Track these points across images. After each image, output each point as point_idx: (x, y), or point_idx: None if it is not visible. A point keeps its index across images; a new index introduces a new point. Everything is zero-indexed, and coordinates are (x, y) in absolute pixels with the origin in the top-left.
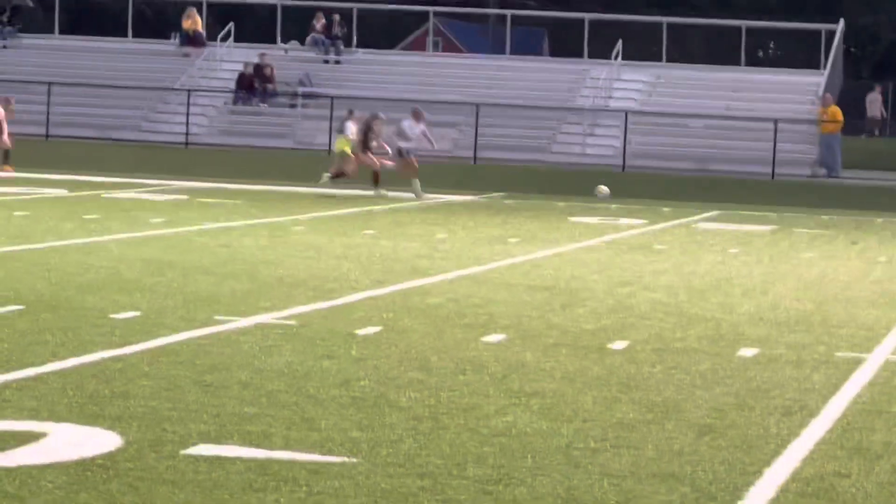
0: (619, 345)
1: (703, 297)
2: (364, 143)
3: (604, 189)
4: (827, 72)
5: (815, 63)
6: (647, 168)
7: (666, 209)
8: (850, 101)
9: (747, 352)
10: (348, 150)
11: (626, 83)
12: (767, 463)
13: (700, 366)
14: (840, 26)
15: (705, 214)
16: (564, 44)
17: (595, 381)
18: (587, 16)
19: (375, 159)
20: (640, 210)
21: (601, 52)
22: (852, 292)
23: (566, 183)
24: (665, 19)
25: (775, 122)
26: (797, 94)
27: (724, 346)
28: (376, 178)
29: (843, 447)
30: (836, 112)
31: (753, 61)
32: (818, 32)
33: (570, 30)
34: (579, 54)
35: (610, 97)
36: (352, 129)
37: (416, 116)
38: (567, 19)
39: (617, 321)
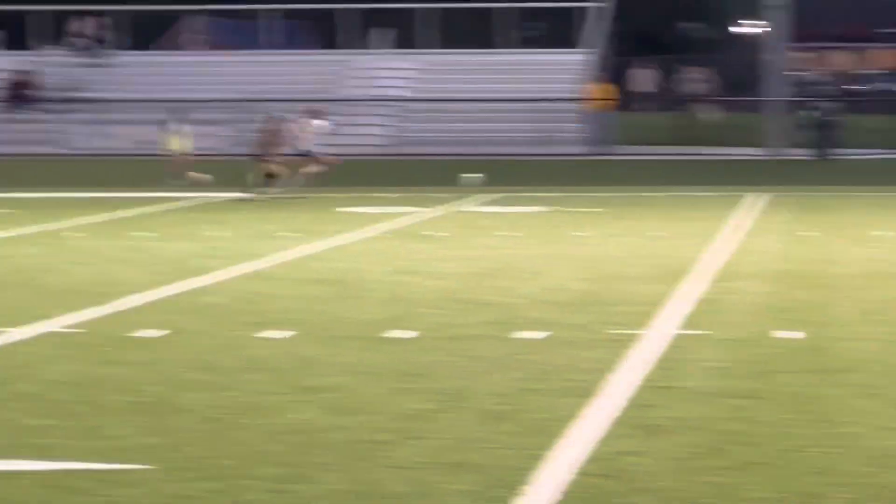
0: (403, 334)
1: (484, 281)
2: (268, 145)
3: (469, 178)
4: (589, 49)
5: (583, 41)
6: (420, 155)
7: (440, 195)
8: (618, 76)
9: (529, 334)
10: (178, 148)
11: (394, 71)
12: (557, 445)
13: (484, 351)
14: (600, 3)
15: (481, 198)
16: (331, 35)
17: (381, 373)
18: (353, 6)
19: (280, 163)
20: (415, 198)
21: (368, 41)
22: (629, 269)
23: (339, 174)
24: (431, 5)
25: (546, 101)
26: (562, 72)
27: (506, 329)
28: (271, 178)
29: (629, 425)
30: (607, 89)
31: (518, 42)
32: (584, 10)
33: (336, 20)
34: (346, 45)
35: (379, 86)
36: (185, 130)
37: (315, 114)
38: (333, 10)
39: (400, 310)
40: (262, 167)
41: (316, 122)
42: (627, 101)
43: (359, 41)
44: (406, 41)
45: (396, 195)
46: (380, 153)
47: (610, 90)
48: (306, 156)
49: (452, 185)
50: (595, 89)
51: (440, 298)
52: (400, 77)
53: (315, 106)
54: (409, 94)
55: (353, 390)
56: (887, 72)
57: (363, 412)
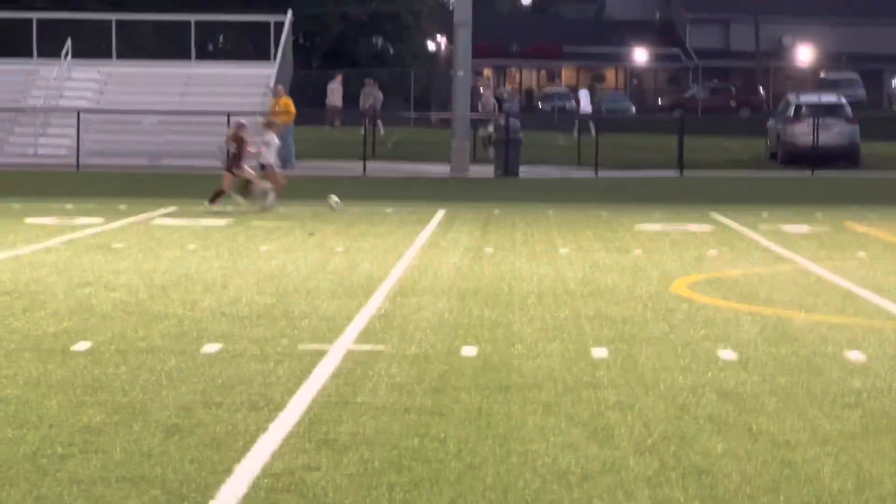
0: (82, 346)
1: (165, 294)
2: (238, 155)
3: (334, 199)
4: (277, 63)
5: (266, 55)
6: (102, 166)
7: (123, 207)
8: (303, 91)
9: (211, 348)
10: None
11: (77, 82)
12: (237, 460)
13: (165, 364)
14: (288, 17)
15: (162, 210)
16: (13, 43)
17: (59, 385)
18: (35, 15)
19: (250, 170)
20: (96, 209)
21: (51, 50)
22: (312, 283)
23: (20, 183)
24: (114, 16)
25: (228, 115)
26: (249, 86)
27: (187, 343)
28: (249, 188)
29: (310, 440)
30: (289, 103)
31: (204, 55)
32: (267, 24)
33: (18, 29)
34: (29, 54)
35: (61, 96)
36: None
37: (271, 125)
38: (15, 20)
39: (79, 322)
40: (235, 177)
41: (270, 134)
42: (308, 114)
43: (54, 50)
44: (97, 51)
45: (82, 206)
46: (67, 163)
47: (290, 104)
48: (265, 169)
49: (135, 195)
50: (276, 103)
51: (120, 310)
52: (86, 88)
53: (270, 118)
54: (94, 105)
55: (32, 403)
56: (565, 89)
57: (43, 425)
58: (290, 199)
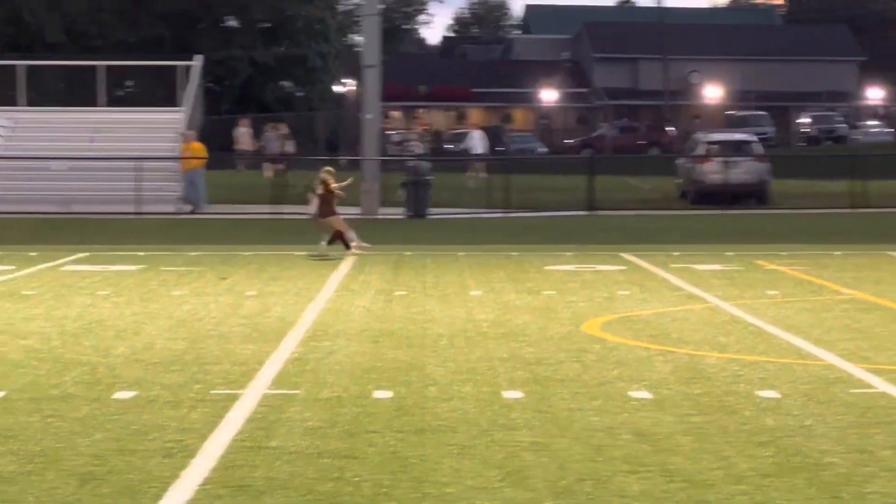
0: None
1: (77, 341)
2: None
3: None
4: (187, 108)
5: (175, 100)
6: (10, 213)
7: (33, 254)
8: (213, 135)
9: (124, 394)
10: None
11: None
12: None
13: (78, 412)
14: (197, 62)
15: (73, 257)
16: None
17: None
18: None
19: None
20: (6, 256)
21: None
22: (225, 328)
23: None
24: (21, 63)
25: (138, 160)
26: (159, 131)
27: (100, 390)
28: (342, 237)
29: (225, 486)
30: (199, 148)
31: (113, 101)
32: (174, 69)
33: None
34: None
35: None
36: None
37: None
38: None
39: None
40: (327, 223)
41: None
42: (220, 159)
43: None
44: (5, 98)
45: None
46: None
47: (200, 149)
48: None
49: (45, 242)
50: (186, 148)
51: (32, 358)
52: None
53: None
54: (2, 152)
55: None
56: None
57: None
58: (200, 244)
